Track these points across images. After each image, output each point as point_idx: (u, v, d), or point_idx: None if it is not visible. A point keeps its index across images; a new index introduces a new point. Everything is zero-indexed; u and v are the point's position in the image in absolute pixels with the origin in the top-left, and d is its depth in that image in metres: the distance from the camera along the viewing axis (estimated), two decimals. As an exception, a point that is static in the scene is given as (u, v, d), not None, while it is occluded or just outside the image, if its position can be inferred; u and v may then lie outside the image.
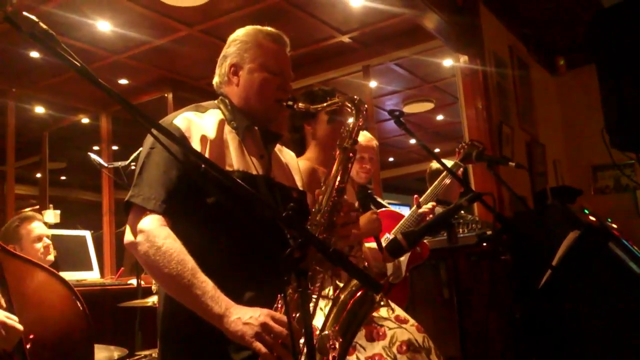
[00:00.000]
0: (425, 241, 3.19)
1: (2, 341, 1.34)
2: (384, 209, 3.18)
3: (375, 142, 3.29)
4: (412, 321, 2.24)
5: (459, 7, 4.82)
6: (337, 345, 1.61)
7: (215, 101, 1.93)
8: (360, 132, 1.91)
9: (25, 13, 1.14)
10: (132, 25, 5.20)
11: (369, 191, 3.41)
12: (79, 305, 1.65)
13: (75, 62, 1.14)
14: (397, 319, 2.22)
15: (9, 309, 1.45)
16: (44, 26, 1.16)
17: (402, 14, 4.90)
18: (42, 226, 3.25)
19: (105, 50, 5.66)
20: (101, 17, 5.03)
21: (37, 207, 7.22)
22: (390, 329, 2.14)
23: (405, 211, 3.19)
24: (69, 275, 4.11)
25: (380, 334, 2.13)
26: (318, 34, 5.67)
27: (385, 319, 2.19)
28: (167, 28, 5.31)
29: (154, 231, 1.61)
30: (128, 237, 1.67)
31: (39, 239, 3.18)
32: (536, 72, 6.21)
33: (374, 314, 2.16)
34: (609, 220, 3.64)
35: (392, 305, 2.29)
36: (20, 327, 1.39)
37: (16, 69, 5.96)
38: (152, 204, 1.64)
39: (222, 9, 5.00)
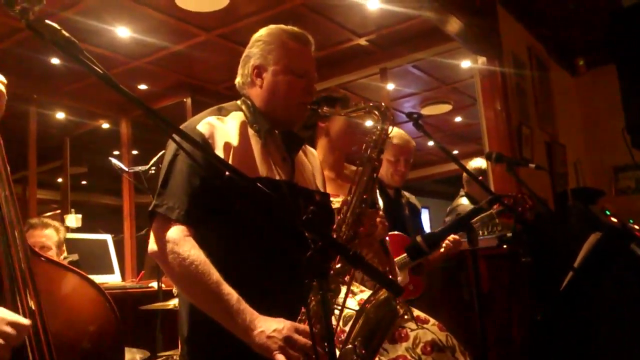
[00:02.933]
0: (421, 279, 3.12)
1: (14, 339, 1.35)
2: (395, 232, 3.09)
3: (413, 143, 3.22)
4: (432, 321, 2.23)
5: (477, 8, 4.80)
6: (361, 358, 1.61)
7: (237, 102, 1.90)
8: (397, 131, 1.89)
9: (47, 21, 1.15)
10: (150, 31, 5.24)
11: (403, 200, 3.32)
12: (110, 309, 1.66)
13: (97, 69, 1.15)
14: (418, 319, 2.21)
15: (39, 312, 1.46)
16: (66, 34, 1.16)
17: (419, 16, 4.88)
18: (38, 235, 3.20)
19: (125, 56, 5.71)
20: (120, 23, 5.08)
21: (59, 211, 7.31)
22: (412, 330, 2.13)
23: (424, 215, 3.14)
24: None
25: (403, 335, 2.12)
26: (335, 37, 5.68)
27: (406, 320, 2.18)
28: (186, 33, 5.35)
29: (178, 242, 1.61)
30: (152, 246, 1.67)
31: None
32: (555, 72, 6.16)
33: (395, 315, 2.16)
34: (631, 221, 3.60)
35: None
36: (25, 321, 1.39)
37: (37, 76, 6.03)
38: (175, 213, 1.63)
39: (240, 13, 5.03)
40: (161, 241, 1.63)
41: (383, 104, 1.88)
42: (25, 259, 1.48)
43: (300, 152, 1.98)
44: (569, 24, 5.65)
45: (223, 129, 1.75)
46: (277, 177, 1.78)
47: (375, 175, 1.81)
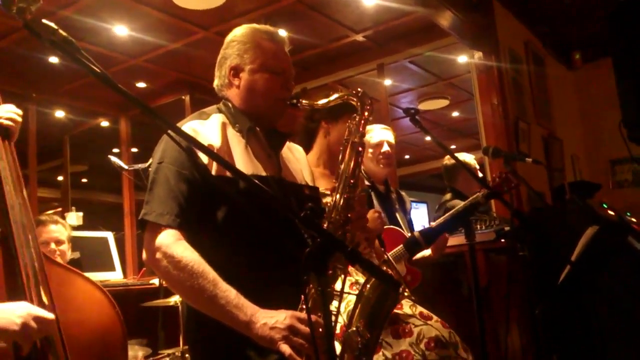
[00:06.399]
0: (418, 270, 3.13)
1: (36, 333, 1.39)
2: (387, 226, 3.10)
3: (389, 128, 3.26)
4: (435, 317, 2.25)
5: (473, 3, 4.81)
6: (365, 341, 1.63)
7: (217, 105, 1.91)
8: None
9: (44, 21, 1.16)
10: (148, 29, 5.25)
11: (393, 196, 3.34)
12: (114, 309, 1.70)
13: (95, 68, 1.16)
14: (422, 315, 2.23)
15: (52, 307, 1.50)
16: (64, 33, 1.17)
17: (415, 11, 4.89)
18: (51, 230, 3.21)
19: (123, 54, 5.73)
20: (118, 21, 5.09)
21: (60, 209, 7.32)
22: (416, 326, 2.14)
23: (423, 209, 3.16)
24: (92, 276, 4.16)
25: (407, 331, 2.13)
26: (332, 34, 5.69)
27: (410, 315, 2.20)
28: (183, 31, 5.36)
29: (171, 246, 1.61)
30: (146, 254, 1.68)
31: (46, 243, 3.18)
32: (552, 67, 6.17)
33: (398, 311, 2.17)
34: (628, 214, 3.61)
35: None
36: (50, 315, 1.44)
37: (36, 75, 6.04)
38: (165, 219, 1.63)
39: (237, 11, 5.04)
40: (154, 248, 1.63)
41: (360, 89, 1.89)
42: (39, 259, 1.54)
43: (286, 148, 2.00)
44: (565, 18, 5.66)
45: (205, 132, 1.76)
46: (264, 173, 1.79)
47: (360, 159, 1.82)
